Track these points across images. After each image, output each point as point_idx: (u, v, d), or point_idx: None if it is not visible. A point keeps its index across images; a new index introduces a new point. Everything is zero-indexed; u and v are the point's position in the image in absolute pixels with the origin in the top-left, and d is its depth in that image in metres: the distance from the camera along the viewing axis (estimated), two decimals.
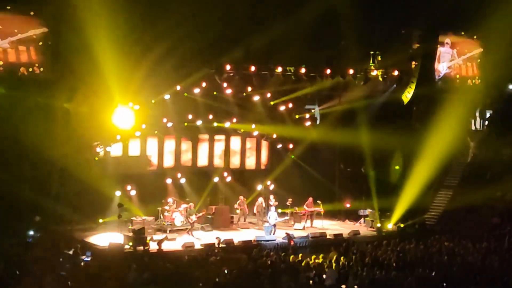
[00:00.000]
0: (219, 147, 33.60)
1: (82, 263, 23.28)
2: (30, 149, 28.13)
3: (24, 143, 27.42)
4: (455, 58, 35.19)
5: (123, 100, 28.46)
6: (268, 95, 32.10)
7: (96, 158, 29.74)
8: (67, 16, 27.20)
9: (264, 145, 34.62)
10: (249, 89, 31.43)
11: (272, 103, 32.49)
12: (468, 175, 34.48)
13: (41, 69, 28.00)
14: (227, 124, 32.19)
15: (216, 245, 26.40)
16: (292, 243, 27.38)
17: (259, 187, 32.51)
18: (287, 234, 28.08)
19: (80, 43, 27.13)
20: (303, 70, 31.33)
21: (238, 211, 31.34)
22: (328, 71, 31.66)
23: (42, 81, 27.88)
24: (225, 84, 30.67)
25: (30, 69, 27.98)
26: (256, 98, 31.88)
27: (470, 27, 34.83)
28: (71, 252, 24.51)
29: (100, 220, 29.20)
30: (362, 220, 32.28)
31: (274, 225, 29.14)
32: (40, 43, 27.92)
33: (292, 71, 31.36)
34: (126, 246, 26.03)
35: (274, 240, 28.26)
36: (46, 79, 27.88)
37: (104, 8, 26.45)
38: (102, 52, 26.82)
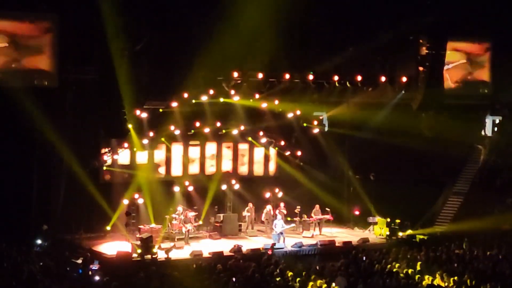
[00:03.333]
0: (227, 154, 33.46)
1: (90, 272, 23.18)
2: (37, 157, 28.27)
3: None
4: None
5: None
6: (276, 102, 31.95)
7: (105, 167, 29.66)
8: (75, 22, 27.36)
9: (272, 152, 34.47)
10: (257, 96, 31.27)
11: (280, 110, 32.36)
12: (478, 181, 34.28)
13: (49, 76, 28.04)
14: (234, 132, 32.06)
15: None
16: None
17: (267, 194, 32.38)
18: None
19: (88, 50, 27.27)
20: (310, 77, 31.18)
21: (246, 218, 31.21)
22: (336, 78, 31.50)
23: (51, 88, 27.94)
24: (232, 91, 30.54)
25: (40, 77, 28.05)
26: (264, 105, 31.73)
27: (479, 32, 34.65)
28: (78, 261, 24.46)
29: (108, 228, 29.12)
30: (371, 227, 32.08)
31: (281, 233, 28.93)
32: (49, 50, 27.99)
33: (300, 77, 31.23)
34: (134, 255, 25.94)
35: (283, 248, 28.10)
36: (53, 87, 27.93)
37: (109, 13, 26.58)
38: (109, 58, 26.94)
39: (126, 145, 29.61)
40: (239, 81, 30.35)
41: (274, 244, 27.85)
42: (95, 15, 26.88)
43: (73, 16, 27.33)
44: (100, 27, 26.91)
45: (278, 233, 28.74)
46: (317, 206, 31.50)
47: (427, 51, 32.77)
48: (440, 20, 31.80)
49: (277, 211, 30.62)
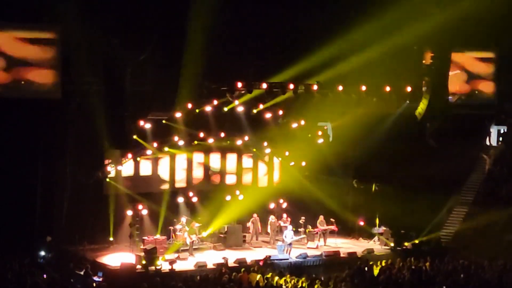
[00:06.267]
0: (231, 165, 33.39)
1: (94, 284, 23.10)
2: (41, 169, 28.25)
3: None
4: None
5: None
6: (280, 112, 31.89)
7: (108, 179, 29.61)
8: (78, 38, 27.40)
9: (276, 162, 34.39)
10: (261, 106, 31.21)
11: (284, 120, 32.28)
12: (483, 191, 34.14)
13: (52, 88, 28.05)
14: (239, 142, 31.99)
15: (224, 266, 26.12)
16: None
17: (272, 205, 32.28)
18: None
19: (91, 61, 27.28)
20: (315, 87, 31.09)
21: (251, 230, 31.10)
22: (341, 87, 31.41)
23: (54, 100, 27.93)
24: (236, 102, 30.49)
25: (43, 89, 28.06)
26: (268, 115, 31.67)
27: (483, 42, 34.59)
28: (82, 273, 24.38)
29: (111, 238, 29.05)
30: (376, 238, 31.95)
31: (290, 244, 28.81)
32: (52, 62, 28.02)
33: (304, 87, 31.15)
34: (138, 266, 25.83)
35: (288, 259, 27.98)
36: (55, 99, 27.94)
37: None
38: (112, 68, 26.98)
39: (129, 156, 29.57)
40: (243, 91, 30.28)
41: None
42: (98, 26, 26.93)
43: (76, 27, 27.31)
44: (103, 38, 26.96)
45: (288, 243, 28.62)
46: (322, 216, 31.39)
47: (431, 61, 32.67)
48: (445, 29, 31.70)
49: (281, 222, 30.60)
